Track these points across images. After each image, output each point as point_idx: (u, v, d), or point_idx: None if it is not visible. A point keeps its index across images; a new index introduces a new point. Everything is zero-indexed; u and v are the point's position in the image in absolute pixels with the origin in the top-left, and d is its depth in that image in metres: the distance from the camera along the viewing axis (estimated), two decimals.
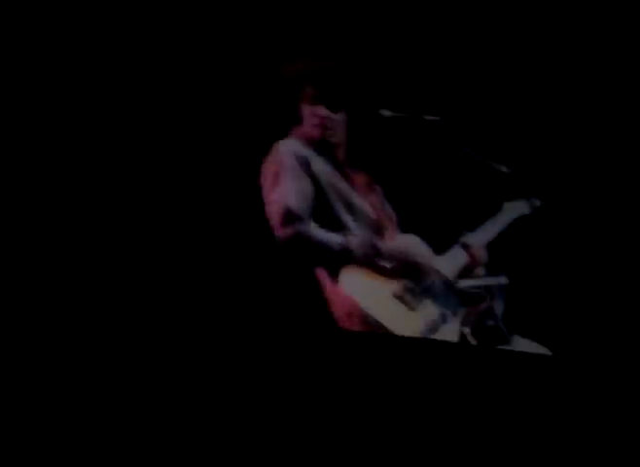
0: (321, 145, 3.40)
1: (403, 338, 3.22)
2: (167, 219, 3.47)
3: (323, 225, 3.27)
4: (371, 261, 3.26)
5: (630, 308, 3.49)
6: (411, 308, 3.24)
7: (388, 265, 3.27)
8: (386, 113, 3.45)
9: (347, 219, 3.32)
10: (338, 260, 3.24)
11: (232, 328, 3.36)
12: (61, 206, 3.46)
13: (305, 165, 3.31)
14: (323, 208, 3.30)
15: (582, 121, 3.65)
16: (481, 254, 3.40)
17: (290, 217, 3.22)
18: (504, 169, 3.51)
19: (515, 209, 3.53)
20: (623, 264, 3.53)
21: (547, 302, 3.53)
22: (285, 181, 3.27)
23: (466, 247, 3.38)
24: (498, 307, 3.36)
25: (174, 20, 3.58)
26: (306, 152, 3.36)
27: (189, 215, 3.47)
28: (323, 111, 3.38)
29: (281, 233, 3.23)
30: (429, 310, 3.26)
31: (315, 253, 3.24)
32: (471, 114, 3.62)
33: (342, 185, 3.38)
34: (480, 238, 3.42)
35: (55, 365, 3.28)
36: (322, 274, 3.27)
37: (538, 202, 3.54)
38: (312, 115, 3.39)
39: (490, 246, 3.44)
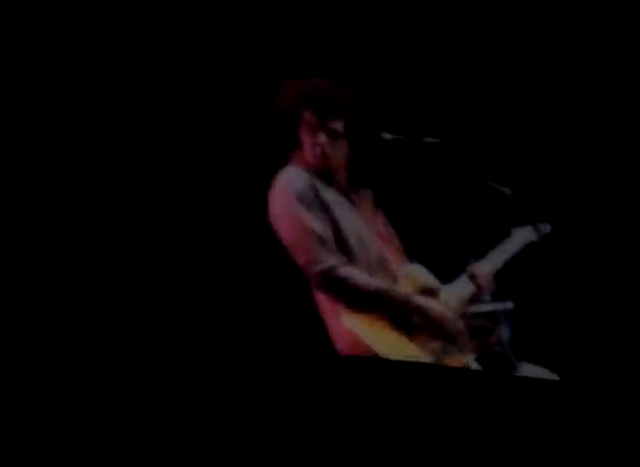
0: (323, 172, 3.32)
1: (408, 363, 3.18)
2: (174, 243, 3.45)
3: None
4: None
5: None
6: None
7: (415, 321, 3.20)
8: (387, 136, 3.38)
9: (359, 256, 3.23)
10: (369, 302, 3.15)
11: (235, 353, 3.34)
12: (57, 212, 3.44)
13: (318, 197, 3.21)
14: (338, 240, 3.21)
15: (584, 140, 3.64)
16: (489, 284, 3.34)
17: (325, 253, 3.13)
18: (507, 191, 3.47)
19: (523, 236, 3.50)
20: (632, 287, 3.50)
21: (555, 327, 3.50)
22: (305, 215, 3.16)
23: (473, 278, 3.30)
24: (505, 333, 3.32)
25: (166, 46, 3.56)
26: (313, 181, 3.25)
27: (195, 242, 3.46)
28: (323, 138, 3.28)
29: (315, 268, 3.13)
30: (434, 344, 3.22)
31: (348, 293, 3.14)
32: (471, 136, 3.59)
33: (351, 214, 3.30)
34: (487, 268, 3.37)
35: (53, 365, 3.26)
36: (325, 306, 3.22)
37: (547, 228, 3.50)
38: (314, 144, 3.29)
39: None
